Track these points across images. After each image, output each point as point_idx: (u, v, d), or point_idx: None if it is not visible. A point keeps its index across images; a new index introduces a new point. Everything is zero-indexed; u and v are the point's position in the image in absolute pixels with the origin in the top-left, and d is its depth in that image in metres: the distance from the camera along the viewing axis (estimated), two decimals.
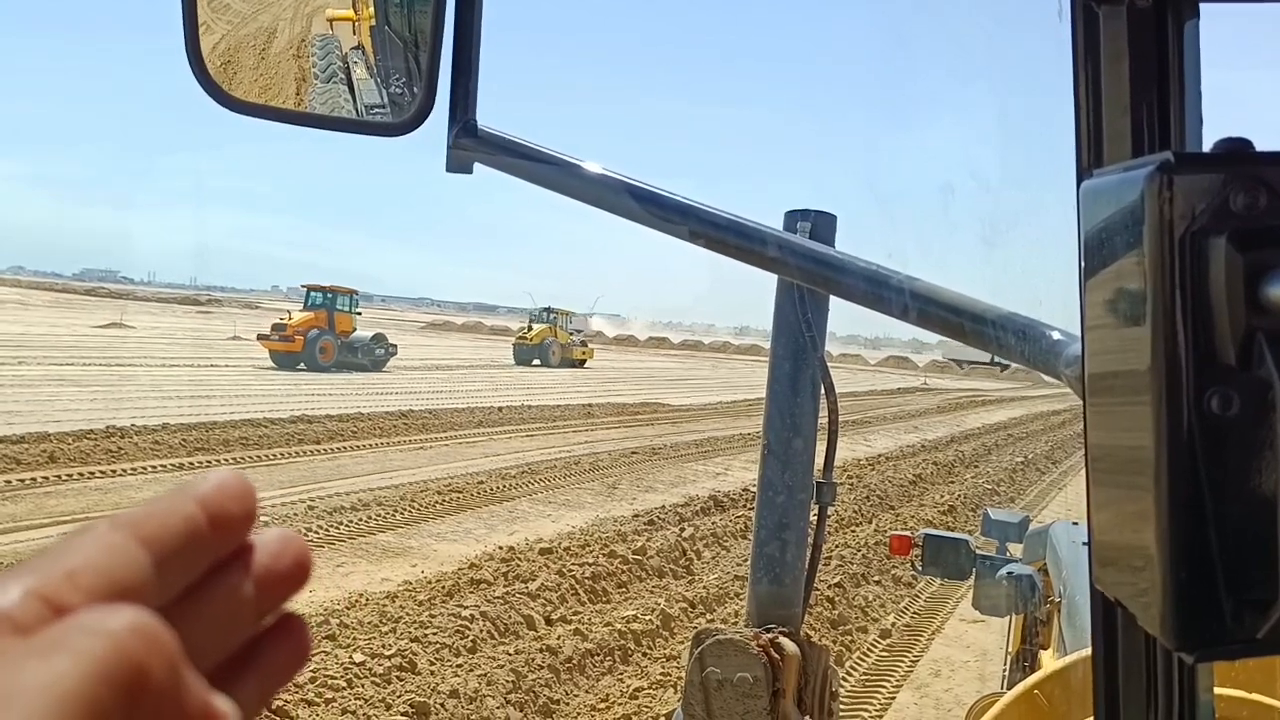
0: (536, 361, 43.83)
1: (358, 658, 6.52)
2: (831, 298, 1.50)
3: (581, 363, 46.15)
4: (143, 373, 25.07)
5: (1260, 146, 0.41)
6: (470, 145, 1.03)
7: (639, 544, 10.12)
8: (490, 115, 1.03)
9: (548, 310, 46.96)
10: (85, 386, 20.85)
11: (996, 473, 18.16)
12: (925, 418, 30.28)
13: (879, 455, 19.17)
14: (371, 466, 14.47)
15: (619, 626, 7.79)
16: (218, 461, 13.77)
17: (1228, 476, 0.40)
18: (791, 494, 1.55)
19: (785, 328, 1.54)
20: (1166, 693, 0.67)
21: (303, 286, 33.54)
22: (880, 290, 0.92)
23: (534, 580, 8.54)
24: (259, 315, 56.79)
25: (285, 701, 5.80)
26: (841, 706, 1.64)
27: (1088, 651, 0.77)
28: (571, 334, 46.86)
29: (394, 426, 18.43)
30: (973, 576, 3.61)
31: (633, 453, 17.58)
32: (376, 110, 1.15)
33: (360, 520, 10.89)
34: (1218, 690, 1.18)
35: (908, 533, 4.31)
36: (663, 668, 7.29)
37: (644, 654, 7.63)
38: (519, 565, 9.10)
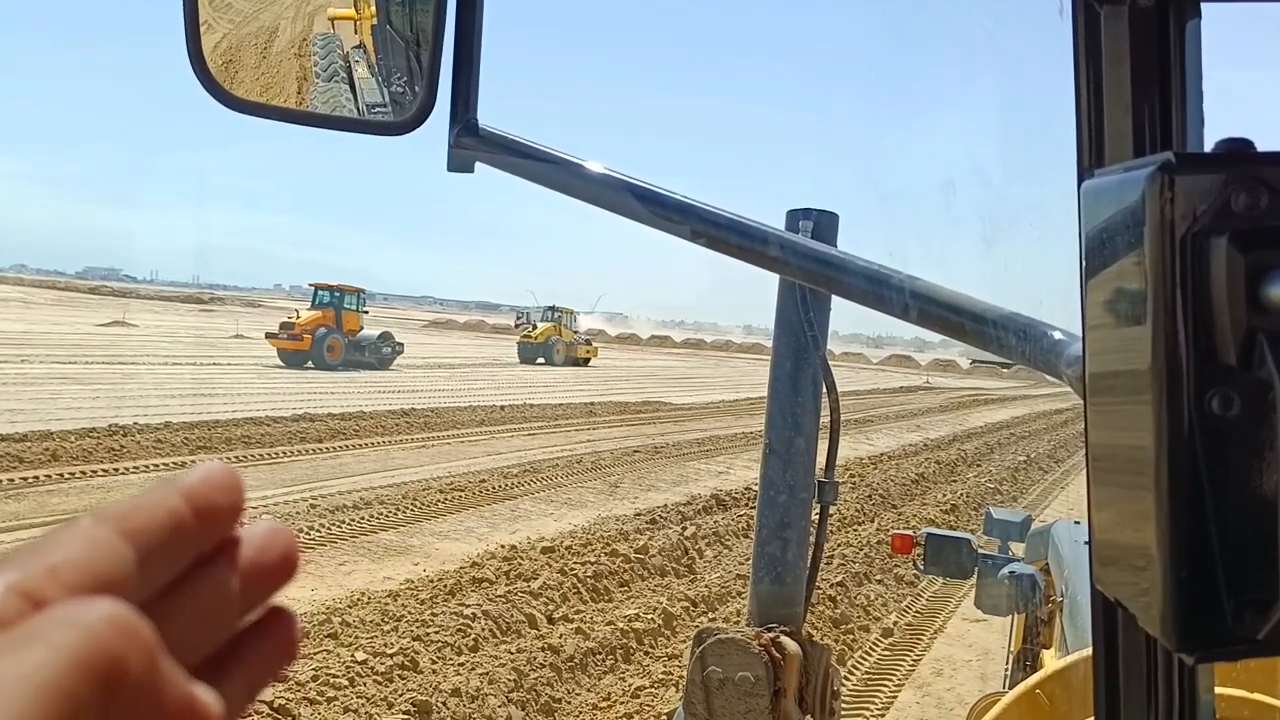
0: (541, 360, 43.87)
1: (360, 656, 6.52)
2: (834, 296, 1.50)
3: (586, 361, 46.21)
4: (145, 371, 25.11)
5: (1261, 147, 0.41)
6: (471, 144, 1.03)
7: (641, 543, 10.12)
8: (491, 114, 1.03)
9: (552, 309, 47.03)
10: (88, 385, 20.89)
11: (999, 471, 18.15)
12: (927, 416, 30.27)
13: (881, 454, 19.16)
14: (374, 465, 14.49)
15: (621, 625, 7.79)
16: (220, 460, 13.77)
17: (1228, 477, 0.40)
18: (793, 493, 1.55)
19: (787, 326, 1.54)
20: (1167, 693, 0.67)
21: (310, 286, 33.81)
22: (881, 290, 0.92)
23: (536, 579, 8.55)
24: (261, 314, 56.87)
25: (287, 700, 5.81)
26: (843, 706, 1.64)
27: (1089, 651, 0.77)
28: (575, 332, 46.95)
29: (396, 425, 18.45)
30: (975, 575, 3.62)
31: (635, 451, 17.58)
32: (378, 109, 1.15)
33: (362, 519, 10.90)
34: (1219, 690, 1.18)
35: (910, 532, 4.31)
36: (664, 666, 7.29)
37: (646, 653, 7.63)
38: (521, 564, 9.11)
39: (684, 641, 7.58)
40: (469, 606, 7.66)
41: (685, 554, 10.25)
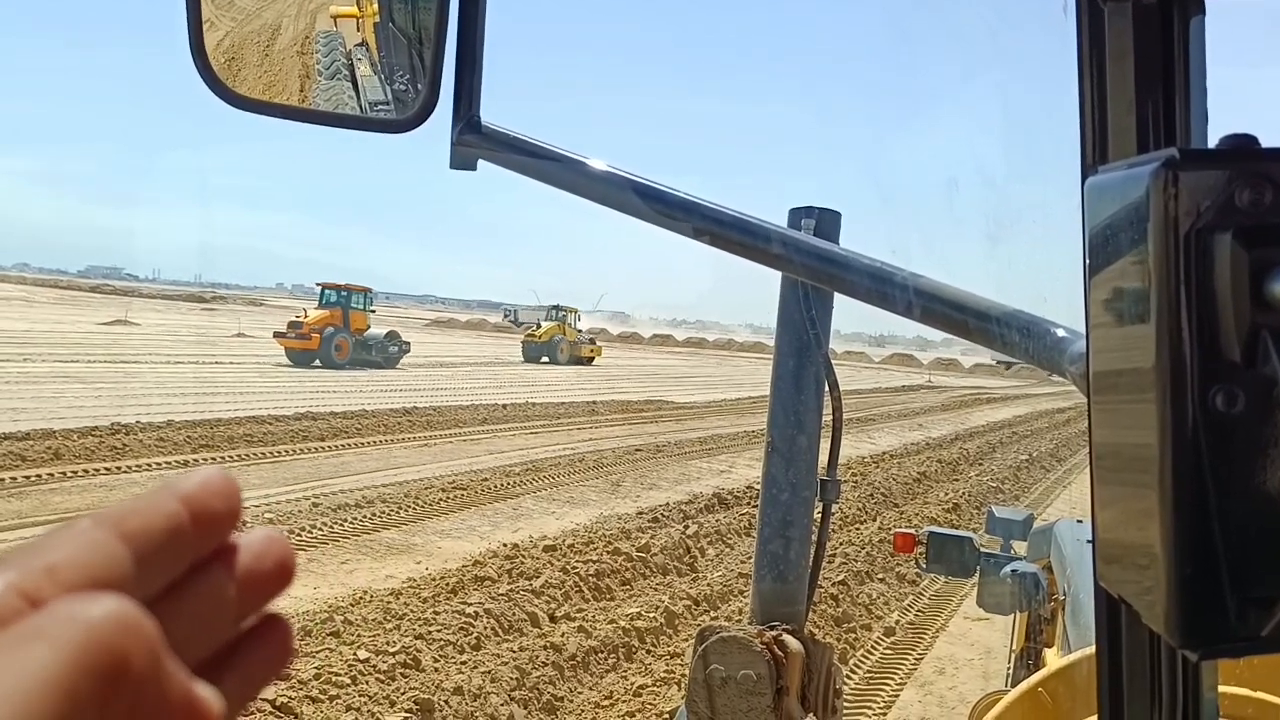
0: (545, 359, 43.88)
1: (362, 654, 6.53)
2: (836, 295, 1.50)
3: (590, 360, 46.21)
4: (147, 370, 25.12)
5: (1265, 143, 0.41)
6: (474, 142, 1.03)
7: (643, 541, 10.12)
8: (494, 112, 1.03)
9: (556, 308, 47.05)
10: (90, 383, 20.91)
11: (1001, 470, 18.13)
12: (929, 415, 30.25)
13: (883, 453, 19.15)
14: (376, 464, 14.49)
15: (623, 624, 7.80)
16: (222, 459, 13.80)
17: (1232, 474, 0.39)
18: (795, 491, 1.55)
19: (789, 325, 1.54)
20: (1171, 690, 0.67)
21: (318, 285, 33.96)
22: (884, 287, 0.92)
23: (538, 577, 8.55)
24: (264, 313, 56.90)
25: (289, 698, 5.81)
26: (845, 704, 1.64)
27: (1092, 649, 0.77)
28: (579, 331, 46.97)
29: (398, 423, 18.45)
30: (977, 574, 3.62)
31: (637, 450, 17.58)
32: (380, 107, 1.15)
33: (364, 517, 10.90)
34: (1222, 688, 1.18)
35: (912, 530, 4.31)
36: (666, 665, 7.29)
37: (648, 651, 7.63)
38: (523, 562, 9.11)
39: (686, 640, 7.58)
40: (471, 605, 7.66)
41: (687, 552, 10.25)
